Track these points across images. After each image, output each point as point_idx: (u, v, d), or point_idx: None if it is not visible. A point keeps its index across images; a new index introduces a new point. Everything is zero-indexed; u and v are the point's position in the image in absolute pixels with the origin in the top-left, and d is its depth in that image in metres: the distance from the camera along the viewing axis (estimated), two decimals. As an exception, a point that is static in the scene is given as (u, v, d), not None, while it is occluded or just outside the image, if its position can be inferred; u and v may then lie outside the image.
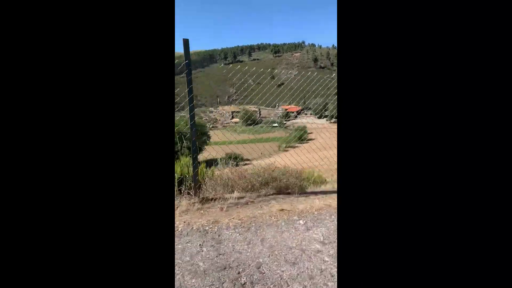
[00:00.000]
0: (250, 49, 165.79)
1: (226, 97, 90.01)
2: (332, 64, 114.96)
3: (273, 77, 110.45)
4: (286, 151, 16.72)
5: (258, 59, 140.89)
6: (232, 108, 42.17)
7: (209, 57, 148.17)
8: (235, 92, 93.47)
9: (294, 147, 17.55)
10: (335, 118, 32.79)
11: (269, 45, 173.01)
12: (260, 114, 38.66)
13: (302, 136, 18.64)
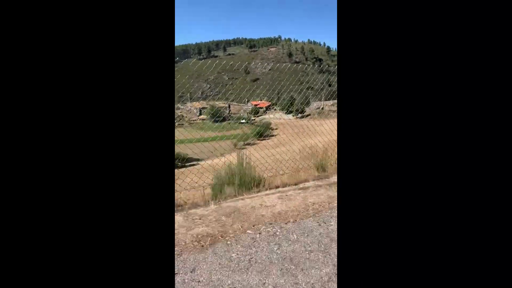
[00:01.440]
0: (225, 44, 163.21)
1: (200, 93, 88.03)
2: (306, 59, 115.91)
3: (247, 72, 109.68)
4: (244, 148, 15.97)
5: (233, 54, 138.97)
6: (201, 104, 40.89)
7: (183, 52, 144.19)
8: (209, 88, 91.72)
9: (252, 144, 16.80)
10: (299, 113, 33.01)
11: (245, 39, 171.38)
12: (229, 110, 37.74)
13: (261, 133, 17.95)
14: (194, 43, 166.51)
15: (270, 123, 24.19)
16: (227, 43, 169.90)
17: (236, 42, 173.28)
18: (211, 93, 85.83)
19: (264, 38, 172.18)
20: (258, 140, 17.90)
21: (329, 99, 28.25)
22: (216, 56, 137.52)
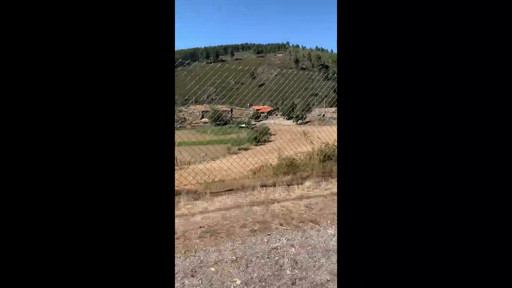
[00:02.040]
0: (233, 49, 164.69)
1: (206, 96, 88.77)
2: (313, 66, 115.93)
3: (254, 77, 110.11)
4: (236, 153, 16.07)
5: (240, 59, 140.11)
6: (204, 107, 41.27)
7: (191, 55, 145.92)
8: (215, 92, 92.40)
9: (247, 149, 16.94)
10: (300, 119, 33.00)
11: (253, 45, 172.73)
12: (231, 113, 37.99)
13: (257, 138, 18.03)
14: (202, 47, 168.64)
15: (268, 129, 24.20)
16: (235, 48, 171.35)
17: (244, 47, 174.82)
18: (217, 96, 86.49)
19: (272, 44, 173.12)
20: (254, 145, 18.00)
21: (331, 106, 28.20)
22: (224, 61, 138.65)
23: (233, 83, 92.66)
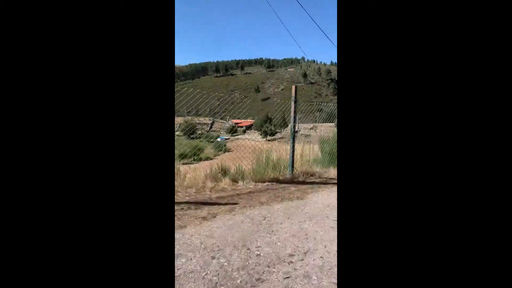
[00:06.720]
0: (245, 63, 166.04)
1: (208, 110, 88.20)
2: (321, 80, 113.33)
3: (258, 91, 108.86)
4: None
5: (250, 73, 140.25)
6: (184, 120, 39.55)
7: (202, 69, 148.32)
8: (219, 105, 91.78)
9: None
10: (270, 135, 30.22)
11: (267, 59, 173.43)
12: (211, 127, 35.87)
13: (186, 155, 15.43)
14: (214, 61, 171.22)
15: (224, 144, 21.72)
16: (248, 62, 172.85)
17: (258, 61, 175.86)
18: (220, 109, 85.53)
19: (286, 59, 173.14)
20: (182, 164, 15.31)
21: (307, 122, 25.28)
22: (233, 75, 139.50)
23: (238, 96, 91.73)
